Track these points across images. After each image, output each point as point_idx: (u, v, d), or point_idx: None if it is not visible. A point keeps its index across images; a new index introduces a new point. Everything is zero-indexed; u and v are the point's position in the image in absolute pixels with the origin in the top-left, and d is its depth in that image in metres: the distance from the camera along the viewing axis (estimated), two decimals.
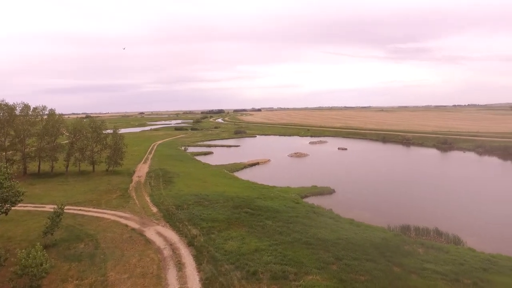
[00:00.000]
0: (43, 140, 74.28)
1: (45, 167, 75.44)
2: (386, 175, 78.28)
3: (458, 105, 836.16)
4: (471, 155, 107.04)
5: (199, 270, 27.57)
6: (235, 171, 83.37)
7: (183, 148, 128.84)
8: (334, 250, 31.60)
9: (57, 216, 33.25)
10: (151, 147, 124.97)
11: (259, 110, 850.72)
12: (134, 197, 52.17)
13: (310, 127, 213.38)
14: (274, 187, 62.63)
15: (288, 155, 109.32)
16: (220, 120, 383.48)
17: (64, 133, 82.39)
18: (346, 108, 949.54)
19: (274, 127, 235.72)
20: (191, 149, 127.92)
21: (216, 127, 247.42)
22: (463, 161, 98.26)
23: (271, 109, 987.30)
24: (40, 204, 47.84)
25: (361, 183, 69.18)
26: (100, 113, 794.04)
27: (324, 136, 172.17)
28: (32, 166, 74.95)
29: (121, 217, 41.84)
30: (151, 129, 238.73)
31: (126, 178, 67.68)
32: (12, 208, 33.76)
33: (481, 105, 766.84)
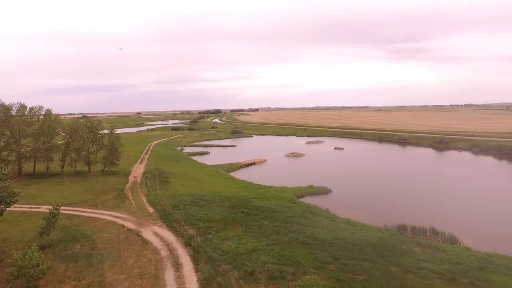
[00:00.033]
0: (38, 141, 73.85)
1: (41, 167, 74.98)
2: (383, 174, 78.50)
3: (456, 105, 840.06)
4: (467, 155, 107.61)
5: (196, 270, 27.51)
6: (231, 171, 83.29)
7: (179, 148, 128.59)
8: (331, 250, 31.64)
9: (52, 216, 33.00)
10: (147, 147, 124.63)
11: (256, 110, 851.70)
12: (130, 197, 51.98)
13: (307, 127, 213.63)
14: (270, 187, 62.62)
15: (285, 155, 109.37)
16: (217, 120, 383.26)
17: (60, 133, 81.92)
18: (343, 108, 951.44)
19: (271, 127, 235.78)
20: (187, 149, 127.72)
21: (213, 127, 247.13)
22: (459, 160, 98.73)
23: (268, 109, 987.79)
24: (35, 204, 47.53)
25: (358, 183, 69.33)
26: (97, 113, 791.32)
27: (321, 136, 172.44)
28: (27, 167, 74.54)
29: (117, 217, 41.66)
30: (147, 129, 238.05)
31: (122, 178, 67.42)
32: (7, 209, 33.61)
33: (479, 105, 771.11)
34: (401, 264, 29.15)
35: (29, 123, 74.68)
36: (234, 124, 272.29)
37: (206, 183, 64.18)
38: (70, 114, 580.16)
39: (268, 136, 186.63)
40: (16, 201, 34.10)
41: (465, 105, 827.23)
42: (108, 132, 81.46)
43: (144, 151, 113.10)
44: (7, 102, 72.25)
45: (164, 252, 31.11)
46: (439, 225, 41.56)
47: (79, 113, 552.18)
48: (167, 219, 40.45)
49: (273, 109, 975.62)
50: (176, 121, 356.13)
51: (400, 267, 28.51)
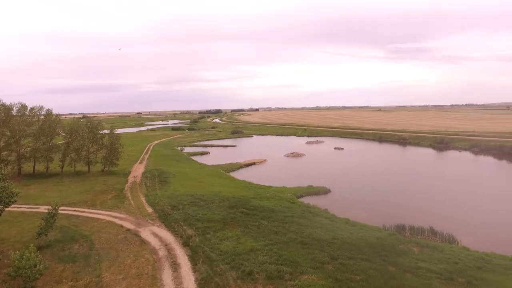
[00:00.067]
0: (38, 141, 73.95)
1: (40, 167, 75.08)
2: (382, 174, 78.47)
3: (456, 105, 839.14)
4: (467, 155, 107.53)
5: (194, 270, 27.52)
6: (231, 171, 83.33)
7: (179, 148, 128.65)
8: (330, 249, 31.65)
9: (51, 217, 33.05)
10: (147, 147, 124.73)
11: (257, 110, 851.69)
12: (130, 197, 52.03)
13: (308, 127, 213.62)
14: (270, 187, 62.63)
15: (285, 155, 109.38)
16: (217, 120, 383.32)
17: (60, 134, 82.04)
18: (344, 108, 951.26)
19: (271, 127, 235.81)
20: (187, 149, 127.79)
21: (213, 127, 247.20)
22: (459, 160, 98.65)
23: (269, 109, 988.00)
24: (34, 205, 47.57)
25: (357, 183, 69.32)
26: (97, 113, 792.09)
27: (321, 136, 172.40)
28: (27, 167, 74.65)
29: (116, 217, 41.70)
30: (148, 129, 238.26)
31: (121, 178, 67.49)
32: (6, 209, 33.66)
33: (479, 105, 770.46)
34: (399, 264, 29.15)
35: (30, 123, 74.79)
36: (234, 124, 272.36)
37: (206, 183, 64.21)
38: (70, 114, 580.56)
39: (268, 136, 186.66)
40: (15, 201, 34.19)
41: (466, 105, 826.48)
42: (108, 132, 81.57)
43: (144, 151, 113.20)
44: (7, 102, 72.57)
45: (162, 252, 31.14)
46: (438, 225, 41.54)
47: (79, 113, 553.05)
48: (166, 219, 40.48)
49: (274, 109, 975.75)
50: (177, 121, 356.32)
51: (398, 267, 28.51)
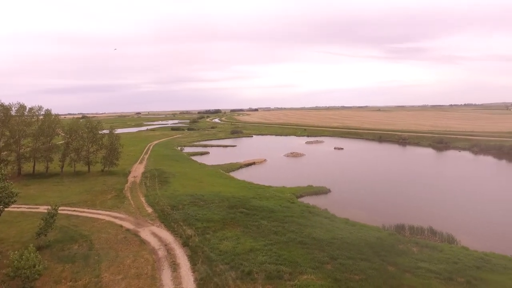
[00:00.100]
0: (38, 141, 73.90)
1: (40, 167, 75.03)
2: (382, 174, 78.49)
3: (455, 105, 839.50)
4: (466, 154, 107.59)
5: (193, 270, 27.53)
6: (231, 171, 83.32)
7: (179, 148, 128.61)
8: (329, 249, 31.66)
9: (51, 217, 33.04)
10: (147, 147, 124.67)
11: (256, 110, 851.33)
12: (129, 197, 52.01)
13: (307, 127, 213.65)
14: (269, 187, 62.63)
15: (284, 155, 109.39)
16: (217, 120, 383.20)
17: (59, 134, 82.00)
18: (343, 107, 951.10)
19: (271, 127, 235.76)
20: (187, 149, 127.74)
21: (212, 127, 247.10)
22: (458, 160, 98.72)
23: (268, 109, 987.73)
24: (34, 205, 47.56)
25: (357, 183, 69.34)
26: (96, 113, 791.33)
27: (320, 136, 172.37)
28: (27, 167, 74.59)
29: (115, 217, 41.69)
30: (147, 129, 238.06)
31: (121, 178, 67.46)
32: (6, 209, 33.62)
33: (478, 105, 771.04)
34: (398, 263, 29.17)
35: (29, 123, 74.70)
36: (233, 124, 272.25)
37: (206, 183, 64.21)
38: (69, 114, 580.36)
39: (268, 136, 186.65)
40: (15, 201, 34.16)
41: (464, 104, 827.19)
42: (107, 132, 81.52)
43: (144, 151, 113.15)
44: (7, 102, 72.61)
45: (161, 252, 31.14)
46: (437, 225, 41.57)
47: (78, 113, 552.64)
48: (165, 219, 40.48)
49: (273, 109, 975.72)
50: (176, 121, 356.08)
51: (397, 267, 28.53)
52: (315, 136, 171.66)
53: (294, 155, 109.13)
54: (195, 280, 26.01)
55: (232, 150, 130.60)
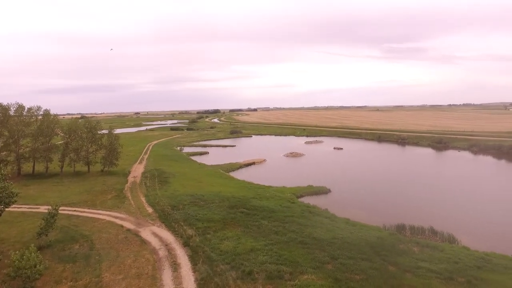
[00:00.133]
0: (37, 141, 73.76)
1: (40, 168, 74.92)
2: (382, 174, 78.57)
3: (454, 105, 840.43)
4: (466, 154, 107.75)
5: (194, 270, 27.52)
6: (230, 171, 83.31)
7: (178, 148, 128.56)
8: (330, 249, 31.67)
9: (51, 217, 32.99)
10: (146, 147, 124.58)
11: (255, 110, 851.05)
12: (130, 197, 51.97)
13: (306, 127, 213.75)
14: (269, 187, 62.63)
15: (284, 155, 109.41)
16: (216, 120, 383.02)
17: (59, 134, 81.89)
18: (342, 107, 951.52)
19: (270, 127, 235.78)
20: (186, 149, 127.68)
21: (212, 127, 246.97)
22: (458, 160, 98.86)
23: (267, 109, 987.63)
24: (34, 205, 47.51)
25: (357, 183, 69.40)
26: (95, 113, 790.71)
27: (320, 135, 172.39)
28: (27, 167, 74.49)
29: (116, 217, 41.66)
30: (146, 129, 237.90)
31: (121, 178, 67.40)
32: (6, 209, 33.58)
33: (477, 105, 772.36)
34: (399, 263, 29.20)
35: (28, 124, 74.62)
36: (233, 124, 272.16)
37: (206, 183, 64.19)
38: (68, 114, 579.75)
39: (267, 136, 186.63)
40: (15, 201, 34.14)
41: (463, 104, 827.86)
42: (107, 132, 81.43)
43: (143, 151, 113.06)
44: (7, 102, 72.76)
45: (162, 252, 31.12)
46: (438, 225, 41.61)
47: (77, 113, 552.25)
48: (166, 219, 40.46)
49: (272, 109, 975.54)
50: (175, 121, 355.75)
51: (398, 267, 28.55)
52: (314, 136, 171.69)
53: (294, 155, 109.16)
54: (196, 280, 26.00)
55: (232, 150, 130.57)
